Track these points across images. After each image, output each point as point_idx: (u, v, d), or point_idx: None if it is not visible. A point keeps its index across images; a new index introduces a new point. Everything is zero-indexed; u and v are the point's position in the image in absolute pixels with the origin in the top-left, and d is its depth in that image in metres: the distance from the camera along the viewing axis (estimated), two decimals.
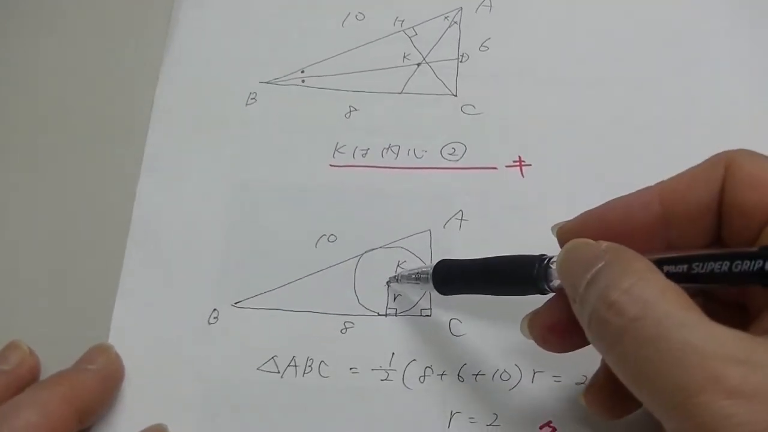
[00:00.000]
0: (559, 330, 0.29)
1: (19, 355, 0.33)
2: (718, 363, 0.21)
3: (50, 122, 0.41)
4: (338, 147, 0.40)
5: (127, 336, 0.35)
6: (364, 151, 0.40)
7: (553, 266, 0.28)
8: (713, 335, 0.22)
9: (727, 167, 0.27)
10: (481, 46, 0.43)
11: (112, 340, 0.35)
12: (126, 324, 0.35)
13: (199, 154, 0.40)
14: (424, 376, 0.34)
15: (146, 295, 0.36)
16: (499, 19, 0.44)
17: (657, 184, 0.28)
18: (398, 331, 0.35)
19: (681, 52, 0.42)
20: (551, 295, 0.29)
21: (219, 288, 0.36)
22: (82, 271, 0.37)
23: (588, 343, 0.27)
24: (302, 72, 0.42)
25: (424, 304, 0.36)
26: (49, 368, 0.33)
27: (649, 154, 0.39)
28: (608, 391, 0.29)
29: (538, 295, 0.29)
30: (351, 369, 0.34)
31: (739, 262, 0.23)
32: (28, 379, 0.33)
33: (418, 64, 0.42)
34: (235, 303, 0.36)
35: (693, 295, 0.23)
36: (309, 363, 0.34)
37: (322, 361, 0.34)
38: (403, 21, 0.44)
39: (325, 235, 0.37)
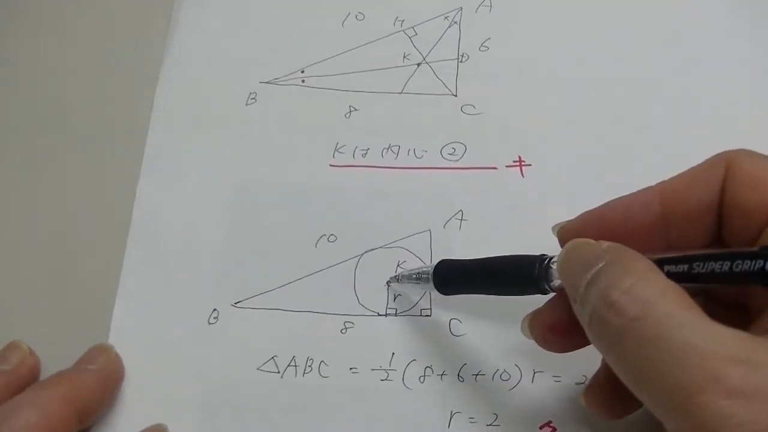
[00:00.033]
0: (560, 330, 0.29)
1: (19, 355, 0.33)
2: (719, 363, 0.21)
3: (50, 122, 0.41)
4: (338, 147, 0.40)
5: (127, 336, 0.35)
6: (364, 151, 0.40)
7: (554, 266, 0.28)
8: (713, 335, 0.22)
9: (727, 167, 0.27)
10: (481, 46, 0.43)
11: (112, 340, 0.35)
12: (126, 324, 0.35)
13: (199, 154, 0.40)
14: (424, 376, 0.34)
15: (146, 295, 0.36)
16: (499, 19, 0.44)
17: (657, 184, 0.28)
18: (398, 331, 0.35)
19: (681, 52, 0.42)
20: (552, 295, 0.29)
21: (219, 288, 0.36)
22: (82, 271, 0.37)
23: (588, 343, 0.27)
24: (302, 72, 0.42)
25: (424, 304, 0.36)
26: (49, 368, 0.33)
27: (649, 154, 0.39)
28: (608, 392, 0.29)
29: (539, 295, 0.29)
30: (351, 369, 0.34)
31: (740, 261, 0.23)
32: (28, 379, 0.33)
33: (418, 64, 0.42)
34: (235, 303, 0.36)
35: (693, 295, 0.23)
36: (309, 363, 0.34)
37: (322, 361, 0.34)
38: (403, 21, 0.44)
39: (325, 235, 0.37)
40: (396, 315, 0.35)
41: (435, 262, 0.34)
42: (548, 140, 0.40)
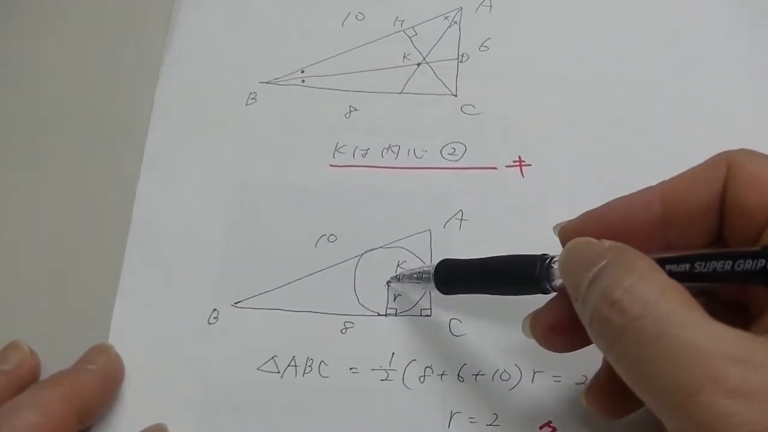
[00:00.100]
0: (561, 330, 0.29)
1: (20, 355, 0.33)
2: (719, 362, 0.21)
3: (50, 122, 0.41)
4: (338, 147, 0.40)
5: (127, 336, 0.35)
6: (364, 151, 0.40)
7: (555, 266, 0.28)
8: (714, 334, 0.22)
9: (728, 167, 0.27)
10: (481, 46, 0.43)
11: (112, 340, 0.35)
12: (126, 324, 0.35)
13: (199, 154, 0.40)
14: (424, 376, 0.34)
15: (146, 295, 0.36)
16: (499, 19, 0.44)
17: (658, 184, 0.28)
18: (398, 331, 0.35)
19: (681, 52, 0.42)
20: (553, 294, 0.29)
21: (219, 288, 0.36)
22: (82, 271, 0.37)
23: (589, 343, 0.27)
24: (302, 72, 0.42)
25: (424, 304, 0.36)
26: (49, 368, 0.33)
27: (649, 154, 0.39)
28: (609, 391, 0.29)
29: (540, 295, 0.29)
30: (351, 369, 0.34)
31: (742, 261, 0.23)
32: (29, 379, 0.33)
33: (418, 64, 0.42)
34: (235, 303, 0.36)
35: (695, 295, 0.23)
36: (309, 363, 0.34)
37: (322, 361, 0.34)
38: (403, 21, 0.44)
39: (325, 235, 0.37)
40: (396, 315, 0.35)
41: (435, 262, 0.34)
42: (548, 140, 0.40)
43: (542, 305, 0.30)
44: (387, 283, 0.36)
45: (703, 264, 0.24)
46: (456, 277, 0.33)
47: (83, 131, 0.41)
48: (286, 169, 0.39)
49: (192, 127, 0.41)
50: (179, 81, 0.42)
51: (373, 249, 0.37)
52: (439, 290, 0.33)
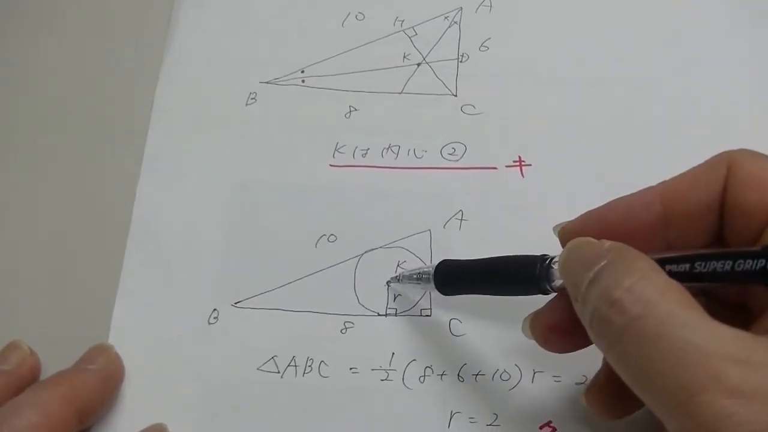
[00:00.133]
0: (561, 330, 0.29)
1: (20, 355, 0.33)
2: (720, 362, 0.21)
3: (50, 122, 0.41)
4: (338, 147, 0.40)
5: (127, 336, 0.35)
6: (364, 151, 0.40)
7: (555, 266, 0.28)
8: (715, 334, 0.22)
9: (728, 167, 0.27)
10: (481, 46, 0.43)
11: (112, 340, 0.35)
12: (126, 324, 0.35)
13: (199, 154, 0.40)
14: (424, 376, 0.34)
15: (146, 295, 0.36)
16: (499, 19, 0.44)
17: (658, 184, 0.28)
18: (398, 331, 0.35)
19: (681, 52, 0.42)
20: (553, 295, 0.29)
21: (219, 288, 0.36)
22: (82, 271, 0.37)
23: (589, 344, 0.27)
24: (302, 72, 0.42)
25: (424, 304, 0.36)
26: (49, 368, 0.33)
27: (649, 154, 0.39)
28: (609, 392, 0.29)
29: (540, 295, 0.29)
30: (351, 369, 0.34)
31: (742, 261, 0.23)
32: (29, 379, 0.33)
33: (418, 64, 0.42)
34: (235, 303, 0.36)
35: (695, 295, 0.23)
36: (309, 363, 0.34)
37: (322, 361, 0.34)
38: (403, 21, 0.44)
39: (325, 235, 0.37)
40: (396, 315, 0.35)
41: (435, 262, 0.34)
42: (548, 140, 0.40)
43: (542, 306, 0.30)
44: (387, 283, 0.36)
45: (703, 264, 0.24)
46: (456, 277, 0.33)
47: (83, 131, 0.41)
48: (286, 169, 0.39)
49: (192, 127, 0.41)
50: (179, 81, 0.42)
51: (373, 249, 0.37)
52: (439, 291, 0.33)
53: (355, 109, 0.41)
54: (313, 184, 0.39)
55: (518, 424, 0.33)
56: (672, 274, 0.24)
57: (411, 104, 0.41)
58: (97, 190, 0.39)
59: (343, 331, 0.35)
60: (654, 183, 0.28)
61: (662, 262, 0.24)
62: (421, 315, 0.35)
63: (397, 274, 0.36)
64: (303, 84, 0.42)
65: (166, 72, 0.42)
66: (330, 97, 0.42)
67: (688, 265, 0.24)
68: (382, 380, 0.34)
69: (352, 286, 0.36)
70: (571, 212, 0.30)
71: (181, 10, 0.44)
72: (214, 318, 0.35)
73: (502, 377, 0.34)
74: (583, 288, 0.25)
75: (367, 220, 0.38)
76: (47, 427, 0.29)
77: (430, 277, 0.33)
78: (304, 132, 0.40)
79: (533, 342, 0.30)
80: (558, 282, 0.28)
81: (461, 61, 0.42)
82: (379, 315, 0.35)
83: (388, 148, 0.40)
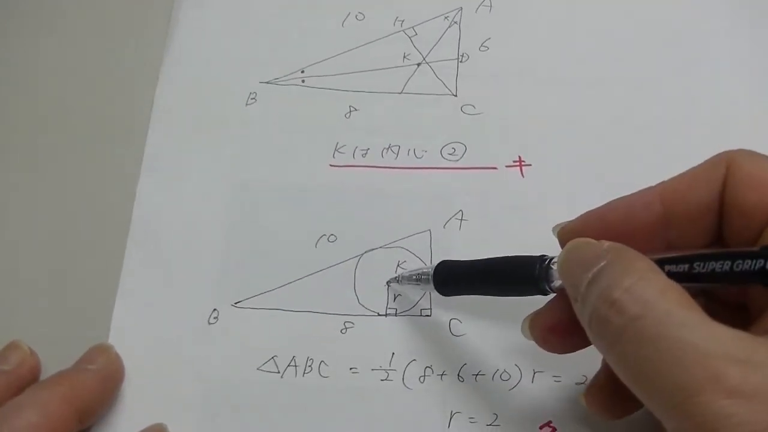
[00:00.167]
0: (560, 331, 0.29)
1: (20, 355, 0.33)
2: (719, 362, 0.21)
3: (50, 122, 0.41)
4: (338, 147, 0.40)
5: (127, 336, 0.35)
6: (364, 151, 0.40)
7: (554, 267, 0.28)
8: (714, 335, 0.22)
9: (727, 167, 0.27)
10: (481, 46, 0.43)
11: (112, 340, 0.35)
12: (126, 324, 0.35)
13: (199, 154, 0.40)
14: (424, 376, 0.34)
15: (146, 295, 0.36)
16: (499, 19, 0.44)
17: (658, 184, 0.28)
18: (398, 331, 0.35)
19: (681, 52, 0.42)
20: (552, 295, 0.29)
21: (219, 288, 0.36)
22: (82, 271, 0.37)
23: (588, 344, 0.27)
24: (302, 72, 0.42)
25: (424, 304, 0.36)
26: (49, 368, 0.33)
27: (649, 154, 0.39)
28: (609, 392, 0.29)
29: (539, 296, 0.29)
30: (351, 369, 0.34)
31: (741, 261, 0.23)
32: (29, 379, 0.33)
33: (418, 64, 0.42)
34: (235, 303, 0.36)
35: (694, 295, 0.23)
36: (309, 363, 0.34)
37: (322, 361, 0.34)
38: (403, 21, 0.44)
39: (325, 235, 0.37)
40: (396, 315, 0.35)
41: (435, 262, 0.34)
42: (548, 140, 0.40)
43: (541, 306, 0.30)
44: (387, 283, 0.36)
45: (702, 264, 0.24)
46: (455, 278, 0.33)
47: (83, 131, 0.41)
48: (286, 169, 0.39)
49: (192, 127, 0.41)
50: (179, 81, 0.42)
51: (373, 249, 0.37)
52: (439, 292, 0.33)
53: (355, 109, 0.41)
54: (313, 184, 0.39)
55: (518, 424, 0.33)
56: (671, 275, 0.24)
57: (411, 104, 0.41)
58: (97, 190, 0.39)
59: (343, 331, 0.35)
60: (654, 183, 0.28)
61: (661, 263, 0.24)
62: (421, 315, 0.35)
63: (397, 275, 0.36)
64: (303, 84, 0.42)
65: (166, 72, 0.42)
66: (330, 97, 0.42)
67: (687, 266, 0.24)
68: (382, 380, 0.34)
69: (352, 286, 0.36)
70: (571, 212, 0.30)
71: (181, 10, 0.44)
72: (214, 318, 0.36)
73: (502, 377, 0.34)
74: (582, 288, 0.25)
75: (367, 220, 0.38)
76: (47, 427, 0.29)
77: (430, 278, 0.33)
78: (304, 132, 0.40)
79: (533, 342, 0.30)
80: (557, 282, 0.28)
81: (461, 61, 0.42)
82: (379, 315, 0.35)
83: (388, 148, 0.40)
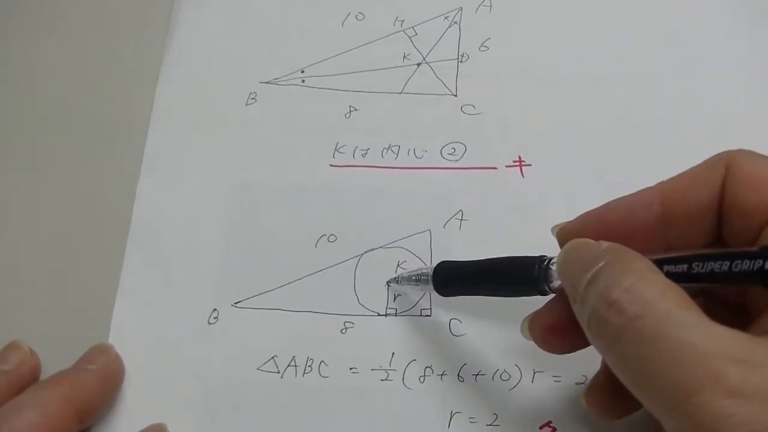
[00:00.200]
0: (560, 331, 0.29)
1: (20, 355, 0.33)
2: (718, 362, 0.21)
3: (50, 122, 0.41)
4: (338, 147, 0.40)
5: (127, 336, 0.35)
6: (364, 151, 0.40)
7: (554, 267, 0.28)
8: (713, 335, 0.22)
9: (727, 167, 0.27)
10: (481, 46, 0.43)
11: (112, 340, 0.35)
12: (126, 324, 0.35)
13: (199, 154, 0.40)
14: (424, 376, 0.34)
15: (146, 295, 0.36)
16: (499, 19, 0.44)
17: (657, 184, 0.28)
18: (398, 331, 0.35)
19: (681, 52, 0.42)
20: (551, 296, 0.29)
21: (219, 288, 0.36)
22: (82, 271, 0.37)
23: (588, 345, 0.27)
24: (302, 72, 0.42)
25: (424, 304, 0.36)
26: (49, 368, 0.33)
27: (649, 154, 0.39)
28: (609, 392, 0.29)
29: (539, 296, 0.29)
30: (351, 369, 0.34)
31: (739, 261, 0.23)
32: (29, 379, 0.33)
33: (418, 64, 0.42)
34: (235, 303, 0.36)
35: (693, 295, 0.23)
36: (309, 363, 0.34)
37: (322, 361, 0.34)
38: (403, 21, 0.44)
39: (325, 235, 0.37)
40: (396, 315, 0.35)
41: (435, 262, 0.34)
42: (548, 140, 0.40)
43: (541, 306, 0.30)
44: (387, 283, 0.36)
45: (701, 265, 0.24)
46: (454, 279, 0.33)
47: (83, 131, 0.41)
48: (286, 169, 0.39)
49: (192, 127, 0.41)
50: (179, 81, 0.42)
51: (373, 249, 0.37)
52: (438, 292, 0.33)
53: (355, 109, 0.41)
54: (313, 184, 0.39)
55: (518, 424, 0.33)
56: (670, 275, 0.24)
57: (411, 104, 0.41)
58: (97, 190, 0.39)
59: (343, 331, 0.35)
60: (654, 183, 0.28)
61: (660, 263, 0.24)
62: (421, 315, 0.35)
63: (396, 275, 0.36)
64: (303, 84, 0.42)
65: (166, 72, 0.42)
66: (330, 97, 0.42)
67: (686, 266, 0.24)
68: (382, 380, 0.34)
69: (352, 286, 0.36)
70: (571, 212, 0.30)
71: (181, 10, 0.44)
72: (214, 318, 0.36)
73: (502, 377, 0.34)
74: (581, 289, 0.25)
75: (367, 220, 0.38)
76: (47, 427, 0.29)
77: (429, 278, 0.33)
78: (304, 132, 0.41)
79: (533, 342, 0.30)
80: (556, 283, 0.28)
81: (461, 61, 0.42)
82: (379, 315, 0.35)
83: (388, 148, 0.40)
